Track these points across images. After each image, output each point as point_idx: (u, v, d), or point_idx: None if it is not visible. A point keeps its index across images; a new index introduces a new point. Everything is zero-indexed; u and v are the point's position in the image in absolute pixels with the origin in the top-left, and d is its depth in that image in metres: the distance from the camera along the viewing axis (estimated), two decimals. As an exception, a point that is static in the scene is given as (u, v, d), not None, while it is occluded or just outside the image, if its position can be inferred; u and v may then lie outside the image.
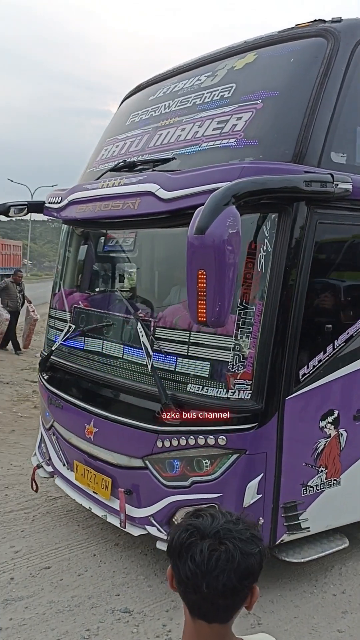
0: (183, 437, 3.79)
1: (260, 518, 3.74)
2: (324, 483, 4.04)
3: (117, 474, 4.26)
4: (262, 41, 4.31)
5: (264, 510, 3.76)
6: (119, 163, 4.73)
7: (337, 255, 4.06)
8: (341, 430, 4.08)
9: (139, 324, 4.15)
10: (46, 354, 5.21)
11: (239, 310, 3.67)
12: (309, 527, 4.01)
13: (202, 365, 3.81)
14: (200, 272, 3.07)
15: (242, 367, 3.68)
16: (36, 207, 5.41)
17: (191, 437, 3.76)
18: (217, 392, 3.72)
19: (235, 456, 3.68)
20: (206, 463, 3.76)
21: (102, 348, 4.58)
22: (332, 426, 4.03)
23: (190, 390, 3.82)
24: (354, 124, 3.98)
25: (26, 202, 5.51)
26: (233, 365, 3.68)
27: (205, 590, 1.31)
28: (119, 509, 4.16)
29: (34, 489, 5.21)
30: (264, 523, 3.77)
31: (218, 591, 1.31)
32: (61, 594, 4.03)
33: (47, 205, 5.21)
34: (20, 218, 5.97)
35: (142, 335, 4.10)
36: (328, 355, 3.93)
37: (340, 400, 4.07)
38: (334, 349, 3.96)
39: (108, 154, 5.26)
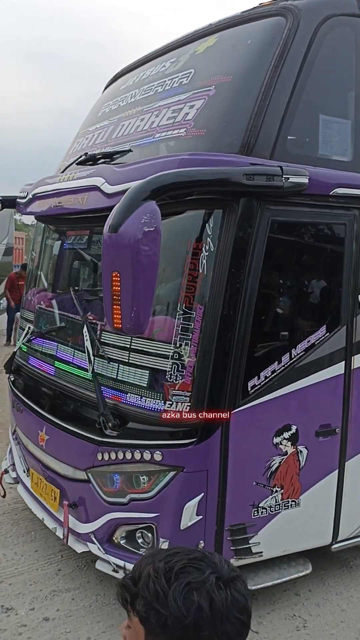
0: (121, 451, 3.52)
1: (201, 541, 3.44)
2: (279, 504, 3.69)
3: (65, 486, 4.03)
4: (225, 23, 3.97)
5: (205, 533, 3.45)
6: (81, 156, 4.48)
7: (296, 256, 3.72)
8: (300, 447, 3.72)
9: (84, 327, 3.90)
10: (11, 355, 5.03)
11: (179, 315, 3.37)
12: (261, 552, 3.68)
13: (142, 373, 3.52)
14: (114, 275, 2.79)
15: (181, 377, 3.37)
16: (11, 202, 5.21)
17: (129, 451, 3.48)
18: (154, 404, 3.43)
19: (172, 474, 3.38)
20: (144, 479, 3.48)
21: (56, 351, 4.35)
22: (290, 443, 3.68)
23: (130, 400, 3.55)
24: (318, 111, 3.60)
25: (0, 197, 5.32)
26: (171, 374, 3.38)
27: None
28: (62, 522, 3.93)
29: (2, 494, 5.03)
30: (205, 547, 3.46)
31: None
32: (107, 587, 4.01)
33: (17, 200, 5.01)
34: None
35: (87, 340, 3.84)
36: (284, 366, 3.58)
37: (300, 414, 3.71)
38: (291, 358, 3.61)
39: (78, 146, 5.02)
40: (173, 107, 3.86)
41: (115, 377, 3.66)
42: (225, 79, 3.60)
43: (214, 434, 3.39)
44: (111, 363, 3.69)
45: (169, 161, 3.22)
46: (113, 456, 3.56)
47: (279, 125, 3.42)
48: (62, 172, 4.60)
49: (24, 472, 4.76)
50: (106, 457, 3.59)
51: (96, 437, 3.64)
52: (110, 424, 3.49)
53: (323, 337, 3.71)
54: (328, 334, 3.73)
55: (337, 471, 3.89)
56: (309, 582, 4.14)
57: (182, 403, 3.37)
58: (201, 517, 3.42)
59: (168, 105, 3.93)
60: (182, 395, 3.37)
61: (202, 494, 3.40)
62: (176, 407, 3.37)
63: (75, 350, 4.07)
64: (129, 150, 4.02)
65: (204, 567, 1.18)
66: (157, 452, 3.37)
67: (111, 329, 2.99)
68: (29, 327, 4.74)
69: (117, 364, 3.66)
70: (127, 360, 3.62)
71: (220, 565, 1.21)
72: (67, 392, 4.07)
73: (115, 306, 2.81)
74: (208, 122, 3.53)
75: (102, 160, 4.21)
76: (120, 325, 2.83)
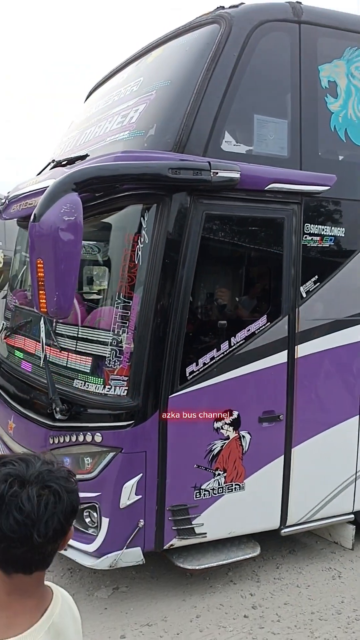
0: (68, 434, 3.73)
1: (141, 520, 3.61)
2: (222, 487, 3.84)
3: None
4: (172, 33, 4.22)
5: (146, 512, 3.63)
6: (49, 163, 4.77)
7: (234, 248, 3.89)
8: (243, 433, 3.87)
9: (41, 319, 4.14)
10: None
11: (117, 304, 3.59)
12: (205, 533, 3.82)
13: (85, 360, 3.74)
14: (38, 261, 3.02)
15: (119, 363, 3.58)
16: None
17: (74, 433, 3.69)
18: (95, 388, 3.64)
19: (111, 454, 3.57)
20: (87, 461, 3.68)
21: (24, 344, 4.61)
22: (232, 428, 3.83)
23: (75, 385, 3.76)
24: (252, 111, 3.80)
25: None
26: (110, 360, 3.59)
27: (37, 539, 1.24)
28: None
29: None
30: (145, 526, 3.63)
31: (49, 537, 1.26)
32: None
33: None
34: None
35: (42, 330, 4.09)
36: (223, 353, 3.75)
37: (241, 401, 3.87)
38: (230, 346, 3.77)
39: (55, 154, 5.32)
40: (123, 112, 4.11)
41: (65, 364, 3.89)
42: (164, 84, 3.83)
43: (150, 416, 3.58)
44: (62, 352, 3.92)
45: (105, 159, 3.46)
46: (62, 439, 3.77)
47: (211, 124, 3.62)
48: (38, 175, 4.89)
49: None
50: (56, 440, 3.81)
51: (48, 422, 3.86)
52: (58, 409, 3.70)
53: (263, 327, 3.87)
54: (269, 323, 3.88)
55: (282, 457, 4.02)
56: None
57: (119, 387, 3.57)
58: (140, 496, 3.59)
59: (119, 111, 4.18)
60: (120, 380, 3.57)
61: (141, 474, 3.58)
62: (114, 391, 3.58)
63: (34, 342, 4.32)
64: (86, 155, 4.27)
65: (18, 464, 1.30)
66: (98, 434, 3.57)
67: (39, 313, 3.21)
68: (3, 324, 5.02)
69: (66, 352, 3.89)
70: (74, 348, 3.84)
71: (32, 469, 1.29)
72: (28, 381, 4.31)
73: (40, 291, 3.04)
74: (147, 124, 3.76)
75: (67, 165, 4.48)
76: (45, 309, 3.06)
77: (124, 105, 4.16)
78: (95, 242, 4.44)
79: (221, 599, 3.91)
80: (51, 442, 3.84)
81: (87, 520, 3.77)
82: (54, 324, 4.09)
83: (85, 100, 5.82)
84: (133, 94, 4.16)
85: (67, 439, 3.72)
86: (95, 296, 4.37)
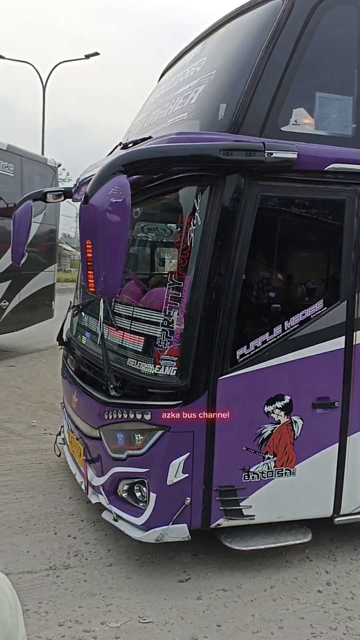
0: (120, 411, 3.84)
1: (187, 498, 3.68)
2: (272, 471, 3.83)
3: (87, 443, 4.43)
4: (236, 11, 4.15)
5: (193, 490, 3.69)
6: (116, 146, 4.86)
7: (290, 231, 3.81)
8: (295, 418, 3.83)
9: (101, 299, 4.26)
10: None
11: (169, 285, 3.63)
12: (253, 515, 3.84)
13: (138, 340, 3.83)
14: (87, 242, 3.11)
15: (169, 343, 3.63)
16: (69, 193, 5.69)
17: (126, 410, 3.80)
18: (147, 368, 3.72)
19: (160, 432, 3.65)
20: (138, 437, 3.78)
21: (87, 322, 4.77)
22: (283, 412, 3.80)
23: (129, 364, 3.86)
24: (314, 89, 3.68)
25: (62, 188, 5.84)
26: (161, 340, 3.65)
27: None
28: (83, 476, 4.35)
29: (57, 454, 5.56)
30: (192, 504, 3.69)
31: None
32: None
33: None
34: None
35: (101, 309, 4.21)
36: (276, 337, 3.71)
37: (294, 385, 3.81)
38: (283, 330, 3.72)
39: (125, 136, 5.40)
40: (185, 93, 4.12)
41: (120, 343, 4.00)
42: (224, 63, 3.79)
43: (199, 397, 3.62)
44: (118, 331, 4.03)
45: (159, 141, 3.49)
46: (115, 415, 3.89)
47: (269, 103, 3.56)
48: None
49: (67, 433, 5.24)
50: (111, 416, 3.93)
51: (103, 398, 3.99)
52: (112, 385, 3.82)
53: (320, 311, 3.78)
54: (325, 308, 3.79)
55: (337, 444, 3.94)
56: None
57: (169, 367, 3.63)
58: (187, 475, 3.65)
59: (182, 92, 4.19)
60: (169, 360, 3.63)
61: (188, 453, 3.64)
62: (164, 370, 3.64)
63: (95, 320, 4.46)
64: (149, 137, 4.32)
65: None
66: (147, 412, 3.66)
67: (89, 293, 3.31)
68: (71, 302, 5.21)
69: (121, 332, 3.99)
70: (129, 328, 3.94)
71: None
72: (89, 359, 4.47)
73: (89, 272, 3.14)
74: (204, 104, 3.75)
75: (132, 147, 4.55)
76: (93, 289, 3.15)
77: (186, 87, 4.17)
78: (154, 224, 4.49)
79: (296, 573, 3.95)
80: (106, 417, 3.97)
81: (138, 494, 3.89)
82: (112, 304, 4.21)
83: (158, 81, 5.85)
84: (196, 74, 4.15)
85: (120, 416, 3.84)
86: (151, 277, 4.44)
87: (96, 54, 24.47)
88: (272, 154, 3.41)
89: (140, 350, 3.78)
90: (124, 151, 4.03)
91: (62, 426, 5.50)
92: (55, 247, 13.44)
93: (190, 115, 3.81)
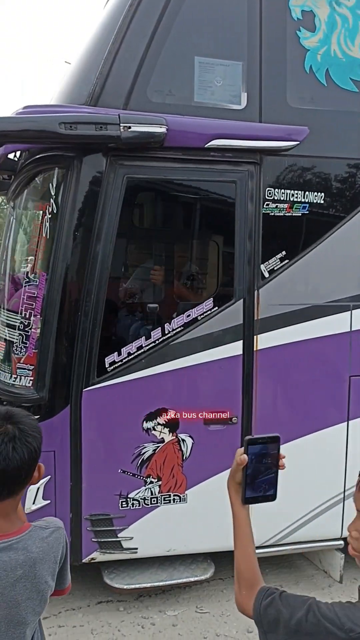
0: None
1: (51, 528, 3.18)
2: (156, 497, 3.31)
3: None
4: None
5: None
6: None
7: (169, 219, 3.30)
8: (182, 436, 3.30)
9: None
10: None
11: (24, 282, 3.17)
12: (135, 548, 3.32)
13: (1, 346, 3.38)
14: None
15: (25, 350, 3.16)
16: None
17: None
18: (5, 377, 3.26)
19: (16, 452, 3.17)
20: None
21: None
22: (167, 429, 3.28)
23: (-8, 374, 3.41)
24: (192, 53, 3.15)
25: None
26: (17, 346, 3.19)
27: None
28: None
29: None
30: (58, 534, 3.20)
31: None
32: None
33: None
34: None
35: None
36: (154, 342, 3.19)
37: (179, 398, 3.29)
38: (163, 334, 3.21)
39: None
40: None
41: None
42: (94, 29, 3.32)
43: (60, 412, 3.13)
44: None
45: (7, 118, 3.04)
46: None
47: (134, 71, 3.05)
48: None
49: None
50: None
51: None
52: None
53: (209, 312, 3.25)
54: (216, 308, 3.26)
55: (237, 467, 3.37)
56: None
57: (25, 377, 3.16)
58: (49, 501, 3.17)
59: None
60: (26, 369, 3.16)
61: (49, 476, 3.15)
62: (20, 381, 3.18)
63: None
64: None
65: None
66: (4, 428, 3.20)
67: None
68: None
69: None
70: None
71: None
72: None
73: None
74: (71, 76, 3.29)
75: None
76: None
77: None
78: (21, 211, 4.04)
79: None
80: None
81: None
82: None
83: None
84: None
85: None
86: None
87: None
88: (129, 127, 2.90)
89: (2, 358, 3.33)
90: None
91: None
92: None
93: (66, 89, 3.35)
